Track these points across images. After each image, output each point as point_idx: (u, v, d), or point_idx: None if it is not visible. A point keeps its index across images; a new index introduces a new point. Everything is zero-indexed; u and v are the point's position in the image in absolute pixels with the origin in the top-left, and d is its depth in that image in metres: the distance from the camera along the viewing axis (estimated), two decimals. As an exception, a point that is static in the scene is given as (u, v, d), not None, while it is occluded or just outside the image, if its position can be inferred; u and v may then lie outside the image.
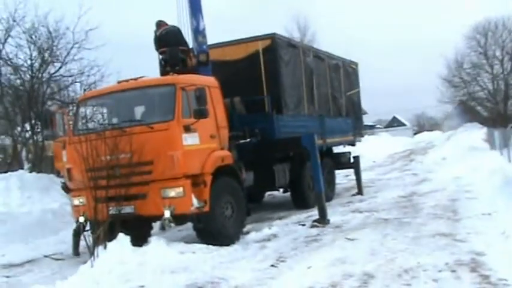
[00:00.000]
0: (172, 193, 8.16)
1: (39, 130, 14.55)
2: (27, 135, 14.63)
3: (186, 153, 8.24)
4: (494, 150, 22.57)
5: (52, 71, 14.95)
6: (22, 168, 13.60)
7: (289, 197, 12.87)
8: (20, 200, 11.21)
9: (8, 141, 15.97)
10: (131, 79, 9.13)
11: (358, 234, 8.66)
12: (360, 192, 14.07)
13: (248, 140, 10.49)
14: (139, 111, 9.09)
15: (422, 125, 74.08)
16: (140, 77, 9.16)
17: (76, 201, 8.86)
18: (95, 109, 9.17)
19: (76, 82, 14.97)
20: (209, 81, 9.41)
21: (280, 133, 11.05)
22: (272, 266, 7.22)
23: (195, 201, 8.27)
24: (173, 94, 8.42)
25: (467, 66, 31.39)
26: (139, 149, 8.08)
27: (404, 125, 72.17)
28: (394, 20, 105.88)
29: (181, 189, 8.15)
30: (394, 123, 73.31)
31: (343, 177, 17.50)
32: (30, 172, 13.05)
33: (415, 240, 7.92)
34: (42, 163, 14.46)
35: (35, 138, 14.69)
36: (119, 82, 9.36)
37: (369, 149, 28.05)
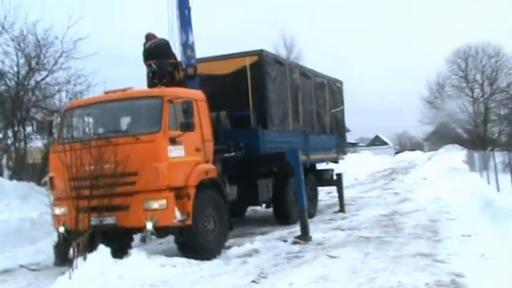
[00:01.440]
0: (155, 205, 8.12)
1: (21, 137, 14.40)
2: (9, 141, 14.45)
3: (170, 166, 8.23)
4: (474, 172, 22.95)
5: (38, 79, 14.86)
6: (2, 176, 13.40)
7: (272, 213, 12.88)
8: (-3, 207, 11.04)
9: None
10: (119, 90, 9.11)
11: (339, 251, 8.68)
12: (342, 209, 14.14)
13: (233, 154, 10.50)
14: (125, 122, 9.07)
15: (404, 144, 74.99)
16: (128, 88, 9.15)
17: (57, 211, 8.76)
18: (80, 118, 9.08)
19: (62, 91, 14.88)
20: (196, 94, 9.45)
21: (265, 148, 11.10)
22: (253, 281, 7.20)
23: (178, 214, 8.23)
24: (160, 106, 8.42)
25: (448, 89, 32.10)
26: (124, 160, 8.04)
27: (386, 143, 72.89)
28: (379, 41, 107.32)
29: (164, 201, 8.12)
30: (376, 141, 74.04)
31: (326, 194, 17.57)
32: (10, 179, 12.86)
33: (396, 259, 7.98)
34: (22, 170, 14.27)
35: (17, 145, 14.51)
36: (106, 92, 9.33)
37: (351, 167, 28.19)
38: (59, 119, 9.67)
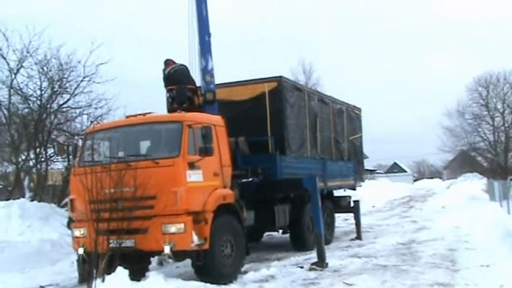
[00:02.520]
0: (173, 229, 8.19)
1: (43, 159, 14.69)
2: (31, 163, 14.74)
3: (189, 190, 8.33)
4: (494, 202, 22.60)
5: (61, 102, 15.21)
6: (24, 197, 13.64)
7: (288, 238, 12.86)
8: (19, 228, 11.21)
9: (10, 168, 16.05)
10: (139, 114, 9.31)
11: (356, 279, 8.65)
12: (358, 237, 14.06)
13: (250, 179, 10.57)
14: (145, 146, 9.21)
15: (423, 172, 74.33)
16: (148, 113, 9.35)
17: (77, 233, 8.89)
18: (102, 142, 9.28)
19: (83, 114, 15.18)
20: (215, 119, 9.59)
21: (282, 174, 11.15)
22: (269, 307, 7.21)
23: (195, 238, 8.29)
24: (180, 131, 8.57)
25: (469, 117, 31.91)
26: (143, 183, 8.15)
27: (404, 171, 72.31)
28: (399, 68, 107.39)
29: (182, 225, 8.19)
30: (394, 169, 73.48)
31: (342, 221, 17.49)
32: (32, 201, 13.09)
33: (413, 288, 7.93)
34: (43, 192, 14.51)
35: (39, 166, 14.79)
36: (127, 117, 9.53)
37: (369, 194, 28.08)
38: (80, 142, 9.86)
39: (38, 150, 14.66)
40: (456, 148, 33.57)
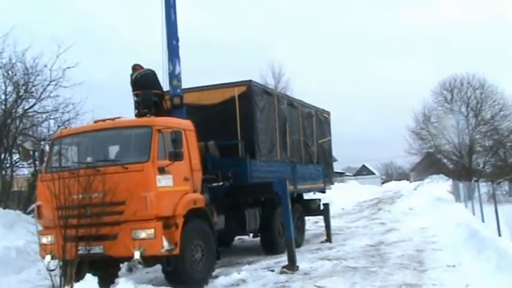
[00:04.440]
0: (143, 234, 8.12)
1: (8, 165, 14.35)
2: (-5, 169, 14.37)
3: (159, 195, 8.27)
4: (459, 203, 23.19)
5: (26, 107, 14.87)
6: (-13, 204, 13.30)
7: (259, 242, 12.90)
8: (-17, 235, 10.92)
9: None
10: (108, 119, 9.21)
11: (326, 282, 8.74)
12: (328, 239, 14.19)
13: (221, 183, 10.58)
14: (114, 151, 9.12)
15: (391, 174, 75.47)
16: (117, 117, 9.26)
17: (44, 240, 8.73)
18: (69, 147, 9.13)
19: (50, 119, 14.87)
20: (185, 124, 9.57)
21: (252, 178, 11.19)
22: (240, 311, 7.22)
23: (165, 243, 8.24)
24: (149, 135, 8.52)
25: (434, 120, 32.55)
26: (113, 189, 8.07)
27: (373, 173, 73.37)
28: (366, 72, 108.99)
29: (152, 230, 8.13)
30: (363, 171, 74.48)
31: (313, 224, 17.62)
32: (-4, 208, 12.76)
33: (382, 289, 8.06)
34: (8, 198, 14.15)
35: (3, 172, 14.42)
36: (96, 121, 9.43)
37: (338, 196, 28.35)
38: (47, 148, 9.68)
39: (2, 155, 14.29)
40: (423, 151, 34.18)
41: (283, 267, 9.93)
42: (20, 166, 15.41)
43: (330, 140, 16.76)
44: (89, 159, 8.84)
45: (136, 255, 8.03)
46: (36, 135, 15.17)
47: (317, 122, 15.60)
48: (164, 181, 8.47)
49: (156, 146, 8.49)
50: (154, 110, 10.13)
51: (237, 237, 14.45)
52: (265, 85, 17.31)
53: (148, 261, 8.37)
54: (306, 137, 14.70)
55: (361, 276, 9.12)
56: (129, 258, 8.27)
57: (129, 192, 8.15)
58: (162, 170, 8.43)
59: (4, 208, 12.93)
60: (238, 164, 11.07)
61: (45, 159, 9.19)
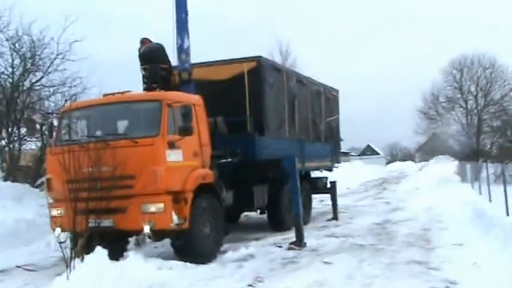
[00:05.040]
0: (152, 208, 8.14)
1: (15, 138, 14.36)
2: (3, 143, 14.38)
3: (168, 170, 8.27)
4: (465, 183, 23.16)
5: (33, 80, 14.80)
6: (-5, 177, 13.38)
7: (265, 219, 12.94)
8: (-7, 208, 11.00)
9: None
10: (117, 93, 9.16)
11: (334, 258, 8.77)
12: (335, 217, 14.23)
13: (229, 159, 10.55)
14: (123, 125, 9.07)
15: (395, 154, 75.29)
16: (126, 91, 9.20)
17: (54, 212, 8.76)
18: (79, 120, 9.11)
19: (57, 93, 14.82)
20: (195, 99, 9.52)
21: (261, 154, 11.16)
22: (249, 285, 7.27)
23: (175, 217, 8.27)
24: (159, 110, 8.48)
25: (443, 100, 32.26)
26: (122, 163, 8.06)
27: (377, 153, 73.27)
28: (372, 51, 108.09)
29: (162, 205, 8.15)
30: (367, 151, 74.39)
31: (318, 202, 17.63)
32: (5, 181, 12.80)
33: (390, 266, 8.07)
34: (17, 172, 14.20)
35: (11, 146, 14.44)
36: (105, 95, 9.37)
37: (343, 176, 28.31)
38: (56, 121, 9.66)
39: (10, 129, 14.29)
40: (430, 131, 34.01)
41: (291, 243, 9.97)
42: (28, 140, 15.44)
43: (337, 118, 16.66)
44: (98, 133, 8.83)
45: (146, 229, 8.06)
46: (43, 109, 15.15)
47: (325, 100, 15.49)
48: (174, 156, 8.46)
49: (166, 121, 8.46)
50: (162, 84, 10.07)
51: (243, 214, 14.50)
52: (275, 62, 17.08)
53: (157, 235, 8.41)
54: (315, 115, 14.61)
55: (369, 253, 9.15)
56: (139, 232, 8.32)
57: (138, 167, 8.15)
58: (171, 145, 8.41)
59: (13, 181, 12.98)
60: (247, 140, 11.01)
61: (54, 132, 9.18)
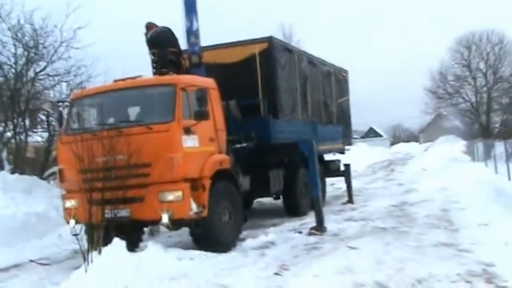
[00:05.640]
0: (170, 197, 7.84)
1: (21, 130, 14.02)
2: (9, 134, 14.04)
3: (185, 156, 7.96)
4: (477, 162, 22.87)
5: (37, 70, 14.41)
6: (3, 169, 13.03)
7: (278, 204, 12.67)
8: (3, 201, 10.63)
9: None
10: (128, 78, 8.81)
11: (358, 242, 8.47)
12: (350, 200, 13.97)
13: (244, 144, 10.24)
14: (136, 111, 8.73)
15: (398, 136, 74.98)
16: (138, 76, 8.85)
17: (68, 204, 8.47)
18: (89, 108, 8.76)
19: (62, 81, 14.43)
20: (209, 82, 9.18)
21: (276, 138, 10.87)
22: (276, 274, 6.98)
23: (193, 205, 7.98)
24: (173, 94, 8.14)
25: (451, 79, 31.71)
26: (137, 151, 7.75)
27: (380, 135, 72.95)
28: (373, 32, 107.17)
29: (180, 193, 7.85)
30: (370, 133, 74.02)
31: (329, 186, 17.35)
32: (12, 173, 12.49)
33: (419, 249, 7.79)
34: (24, 164, 13.89)
35: (17, 138, 14.11)
36: (115, 81, 9.00)
37: (349, 159, 28.04)
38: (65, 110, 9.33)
39: (15, 121, 13.94)
40: (439, 110, 33.56)
41: (311, 228, 9.69)
42: (34, 131, 15.10)
43: (348, 99, 16.34)
44: (110, 120, 8.50)
45: (165, 218, 7.77)
46: (48, 99, 14.80)
47: (336, 80, 15.15)
48: (190, 142, 8.15)
49: (181, 105, 8.13)
50: (172, 68, 9.73)
51: (256, 200, 14.22)
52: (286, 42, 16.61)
53: (175, 224, 8.12)
54: (326, 97, 14.29)
55: (393, 236, 8.86)
56: (157, 222, 8.04)
57: (154, 154, 7.84)
58: (187, 130, 8.09)
59: (20, 174, 12.67)
60: (261, 124, 10.70)
61: (65, 121, 8.84)
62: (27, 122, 14.53)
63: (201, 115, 8.17)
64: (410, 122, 57.80)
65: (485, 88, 30.45)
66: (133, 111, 8.75)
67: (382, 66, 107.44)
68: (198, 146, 8.35)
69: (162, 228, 10.78)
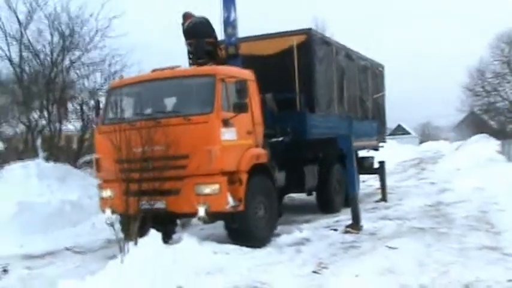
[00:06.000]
0: (207, 190, 7.73)
1: (56, 119, 14.11)
2: (44, 122, 14.15)
3: (223, 149, 7.83)
4: (513, 163, 22.19)
5: (72, 59, 14.49)
6: (37, 157, 13.13)
7: (310, 200, 12.46)
8: (38, 189, 10.74)
9: (19, 129, 15.44)
10: (166, 68, 8.71)
11: (397, 243, 8.19)
12: (384, 198, 13.67)
13: (280, 138, 10.06)
14: (174, 101, 8.63)
15: (427, 134, 73.61)
16: (176, 66, 8.75)
17: (104, 193, 8.44)
18: (127, 97, 8.69)
19: (97, 71, 14.48)
20: (248, 74, 9.02)
21: (311, 133, 10.65)
22: (314, 272, 6.82)
23: (230, 199, 7.85)
24: (212, 85, 8.01)
25: (490, 76, 30.81)
26: (175, 142, 7.66)
27: (408, 133, 71.78)
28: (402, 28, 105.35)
29: (217, 186, 7.73)
30: (398, 131, 72.85)
31: (360, 183, 17.06)
32: (47, 161, 12.57)
33: (462, 252, 7.50)
34: (58, 152, 13.98)
35: (51, 126, 14.21)
36: (153, 70, 8.91)
37: (378, 156, 27.63)
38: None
39: (50, 108, 14.04)
40: (476, 108, 32.67)
41: (347, 226, 9.47)
42: (68, 120, 15.20)
43: (383, 95, 15.98)
44: (148, 111, 8.41)
45: (201, 211, 7.67)
46: (83, 88, 14.87)
47: (372, 75, 14.81)
48: (228, 134, 8.01)
49: (220, 97, 7.99)
50: (208, 59, 9.60)
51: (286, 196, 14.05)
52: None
53: (211, 218, 8.00)
54: (362, 92, 13.97)
55: (433, 238, 8.57)
56: (192, 215, 7.93)
57: (192, 146, 7.73)
58: (226, 123, 7.95)
59: (54, 162, 12.75)
60: (297, 118, 10.47)
61: (102, 110, 8.80)
62: (61, 110, 14.62)
63: (240, 107, 8.02)
64: (440, 121, 56.47)
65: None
66: (171, 102, 8.65)
67: (414, 63, 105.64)
68: (236, 139, 8.21)
69: (194, 221, 10.77)
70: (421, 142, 58.25)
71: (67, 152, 14.68)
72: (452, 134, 51.16)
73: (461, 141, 41.40)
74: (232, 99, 8.12)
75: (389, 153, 33.61)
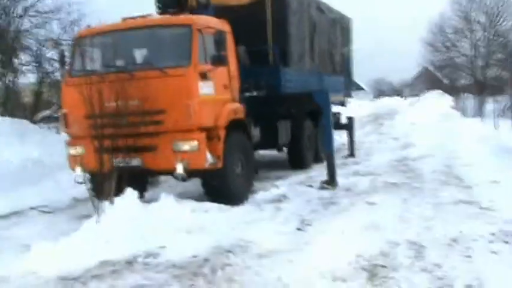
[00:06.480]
0: (186, 147, 7.42)
1: (11, 69, 13.22)
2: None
3: (202, 103, 7.50)
4: (468, 118, 22.82)
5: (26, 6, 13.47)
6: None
7: (278, 156, 12.32)
8: (-4, 145, 10.10)
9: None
10: (138, 16, 8.16)
11: (374, 198, 8.23)
12: (352, 154, 13.72)
13: (254, 93, 9.77)
14: (148, 53, 8.11)
15: (381, 90, 74.52)
16: (148, 15, 8.20)
17: (73, 151, 7.97)
18: (97, 48, 8.11)
19: (53, 19, 13.54)
20: (225, 25, 8.57)
21: (286, 88, 10.39)
22: (298, 229, 6.72)
23: (209, 156, 7.58)
24: (189, 36, 7.57)
25: (450, 31, 31.13)
26: (150, 96, 7.26)
27: (362, 89, 72.41)
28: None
29: (195, 142, 7.43)
30: (352, 86, 73.33)
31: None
32: (2, 116, 11.81)
33: (440, 207, 7.57)
34: (15, 106, 13.18)
35: (4, 79, 13.32)
36: (124, 19, 8.33)
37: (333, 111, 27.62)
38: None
39: (3, 58, 13.11)
40: (437, 63, 33.13)
41: (323, 182, 9.40)
42: (24, 71, 14.30)
43: (351, 49, 15.78)
44: (120, 62, 7.89)
45: (179, 168, 7.38)
46: (38, 37, 13.93)
47: (340, 29, 14.53)
48: (206, 88, 7.66)
49: (197, 48, 7.57)
50: (177, 9, 9.05)
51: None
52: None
53: (190, 175, 7.71)
54: (331, 45, 13.72)
55: (408, 193, 8.62)
56: (170, 172, 7.61)
57: (168, 100, 7.36)
58: (204, 76, 7.58)
59: (11, 117, 12.01)
60: (271, 72, 10.16)
61: (68, 61, 8.20)
62: (16, 61, 13.71)
63: (219, 60, 7.66)
64: (394, 76, 57.31)
65: (485, 41, 29.82)
66: (144, 53, 8.12)
67: (377, 17, 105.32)
68: (214, 93, 7.87)
69: (162, 178, 10.47)
70: (375, 97, 58.98)
71: (24, 107, 13.87)
72: (406, 89, 52.11)
73: (415, 97, 42.27)
74: (210, 51, 7.72)
75: (344, 109, 34.10)
